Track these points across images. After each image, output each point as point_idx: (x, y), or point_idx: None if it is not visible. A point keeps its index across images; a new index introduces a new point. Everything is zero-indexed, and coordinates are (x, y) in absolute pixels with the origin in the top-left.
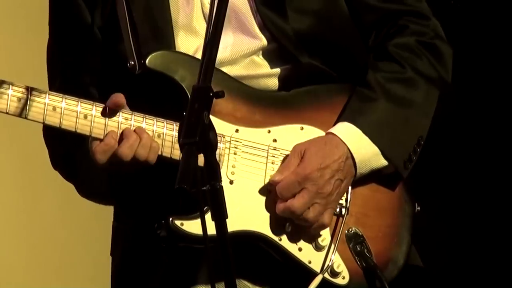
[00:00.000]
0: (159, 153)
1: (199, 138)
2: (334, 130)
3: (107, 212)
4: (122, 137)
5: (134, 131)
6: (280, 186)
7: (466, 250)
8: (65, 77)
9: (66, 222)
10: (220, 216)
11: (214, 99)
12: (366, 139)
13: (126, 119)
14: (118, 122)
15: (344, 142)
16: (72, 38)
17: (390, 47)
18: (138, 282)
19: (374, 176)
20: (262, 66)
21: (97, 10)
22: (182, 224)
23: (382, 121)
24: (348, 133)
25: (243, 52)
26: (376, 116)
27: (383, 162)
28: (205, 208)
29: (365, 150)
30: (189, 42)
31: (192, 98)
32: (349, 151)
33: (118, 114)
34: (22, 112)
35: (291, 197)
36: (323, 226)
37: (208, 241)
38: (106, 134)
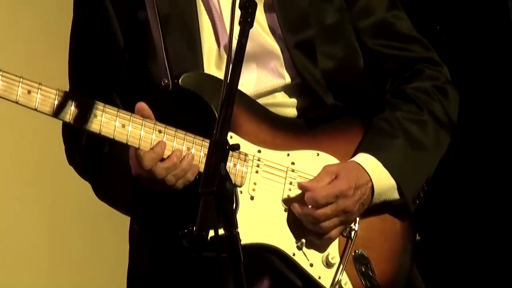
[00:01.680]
0: None
1: (217, 188)
2: (357, 159)
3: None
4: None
5: (180, 158)
6: (318, 194)
7: (467, 275)
8: (89, 89)
9: (84, 230)
10: (237, 260)
11: (231, 151)
12: (386, 173)
13: (160, 132)
14: (152, 134)
15: (367, 172)
16: (98, 57)
17: (409, 89)
18: None
19: (383, 205)
20: (281, 99)
21: (131, 31)
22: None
23: (401, 158)
24: (371, 164)
25: (267, 89)
26: (396, 153)
27: (396, 195)
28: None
29: (383, 182)
30: (217, 66)
31: (209, 151)
32: (371, 180)
33: (153, 126)
34: (66, 117)
35: (323, 206)
36: (330, 240)
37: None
38: (157, 144)
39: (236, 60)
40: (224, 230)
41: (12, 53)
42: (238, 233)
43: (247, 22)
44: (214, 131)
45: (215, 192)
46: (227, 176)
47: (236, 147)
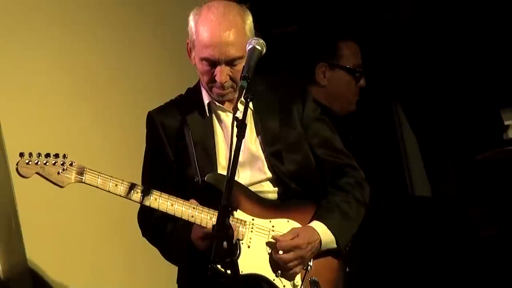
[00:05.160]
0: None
1: (224, 233)
2: (312, 225)
3: None
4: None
5: None
6: (281, 244)
7: None
8: (155, 188)
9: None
10: (235, 274)
11: (234, 211)
12: (329, 232)
13: (194, 208)
14: (189, 209)
15: (317, 232)
16: (160, 167)
17: (340, 183)
18: None
19: (327, 251)
20: (266, 188)
21: (177, 151)
22: (221, 267)
23: (337, 223)
24: (320, 227)
25: (256, 181)
26: (334, 220)
27: (334, 245)
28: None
29: (327, 238)
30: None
31: (219, 211)
32: (320, 237)
33: (189, 205)
34: (137, 199)
35: (287, 252)
36: (296, 273)
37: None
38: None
39: (234, 156)
40: (228, 258)
41: (103, 155)
42: (237, 259)
43: (241, 136)
44: (222, 199)
45: (223, 236)
46: (230, 226)
47: (235, 208)
